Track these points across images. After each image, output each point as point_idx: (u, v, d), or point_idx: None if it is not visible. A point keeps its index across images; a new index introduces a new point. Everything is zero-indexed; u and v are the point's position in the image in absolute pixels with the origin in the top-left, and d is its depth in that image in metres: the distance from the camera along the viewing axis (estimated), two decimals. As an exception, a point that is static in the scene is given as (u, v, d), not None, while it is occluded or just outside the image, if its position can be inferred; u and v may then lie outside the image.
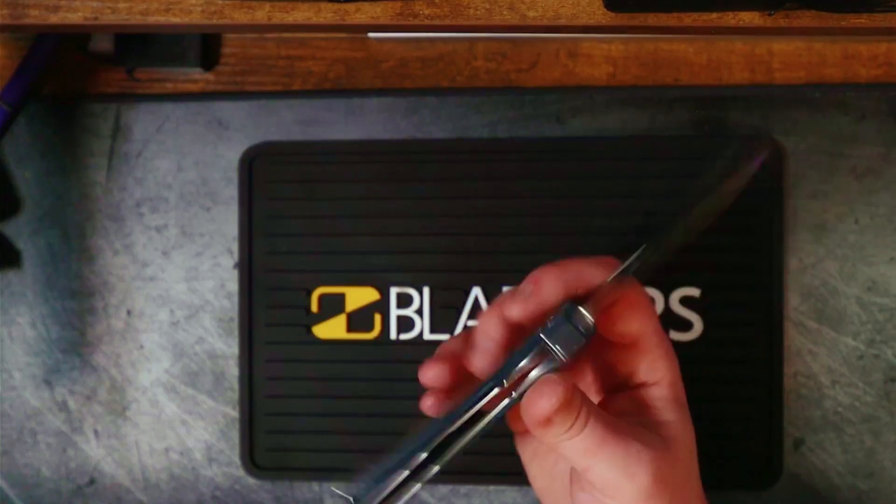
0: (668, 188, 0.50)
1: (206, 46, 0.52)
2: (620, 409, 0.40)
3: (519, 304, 0.38)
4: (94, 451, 0.53)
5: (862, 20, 0.37)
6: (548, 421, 0.36)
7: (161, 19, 0.38)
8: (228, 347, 0.52)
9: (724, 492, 0.49)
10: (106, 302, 0.53)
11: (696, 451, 0.39)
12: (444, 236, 0.51)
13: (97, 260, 0.53)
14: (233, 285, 0.52)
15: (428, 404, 0.39)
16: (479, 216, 0.51)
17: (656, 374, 0.39)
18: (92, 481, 0.53)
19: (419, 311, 0.51)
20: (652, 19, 0.38)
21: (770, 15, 0.37)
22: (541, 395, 0.36)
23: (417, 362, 0.50)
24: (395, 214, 0.51)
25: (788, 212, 0.50)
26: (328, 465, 0.51)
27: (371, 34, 0.51)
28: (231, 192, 0.52)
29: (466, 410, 0.37)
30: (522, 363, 0.36)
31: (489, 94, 0.51)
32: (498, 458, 0.49)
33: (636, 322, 0.39)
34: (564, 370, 0.37)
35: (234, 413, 0.52)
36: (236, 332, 0.52)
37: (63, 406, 0.53)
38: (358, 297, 0.51)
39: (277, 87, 0.53)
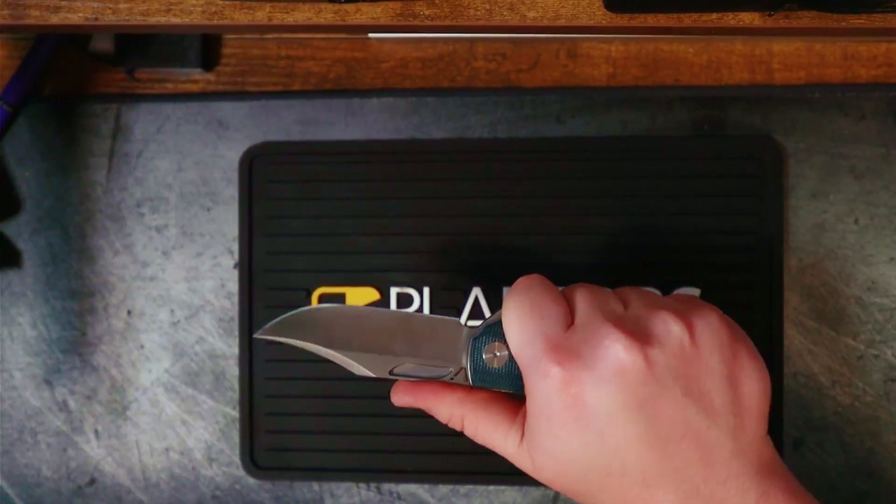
0: (668, 188, 0.50)
1: (206, 47, 0.52)
2: None
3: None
4: (95, 451, 0.53)
5: (861, 21, 0.37)
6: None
7: (161, 20, 0.38)
8: (228, 347, 0.52)
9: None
10: (106, 302, 0.53)
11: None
12: (444, 236, 0.51)
13: (97, 260, 0.53)
14: (233, 285, 0.52)
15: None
16: (479, 216, 0.51)
17: None
18: (92, 481, 0.53)
19: (419, 311, 0.51)
20: (652, 20, 0.38)
21: (770, 15, 0.37)
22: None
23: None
24: (395, 214, 0.51)
25: (788, 212, 0.50)
26: (328, 465, 0.51)
27: (371, 34, 0.51)
28: (231, 192, 0.52)
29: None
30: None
31: (489, 94, 0.51)
32: (498, 457, 0.49)
33: None
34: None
35: (234, 413, 0.52)
36: (236, 332, 0.52)
37: (63, 406, 0.53)
38: (358, 297, 0.51)
39: (277, 88, 0.53)
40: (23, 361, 0.53)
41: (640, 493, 0.36)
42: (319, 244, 0.51)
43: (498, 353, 0.38)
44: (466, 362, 0.39)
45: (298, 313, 0.39)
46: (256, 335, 0.39)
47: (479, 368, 0.38)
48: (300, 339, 0.39)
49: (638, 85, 0.51)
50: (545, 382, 0.36)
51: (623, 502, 0.37)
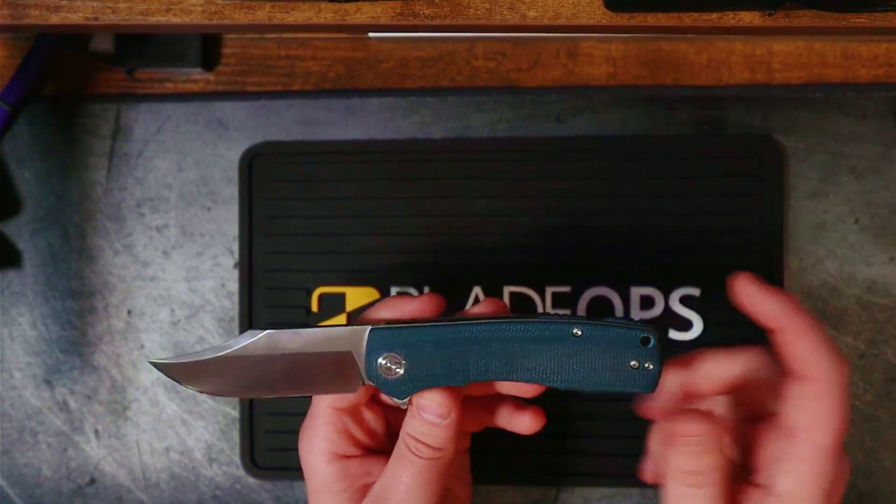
0: (668, 188, 0.50)
1: (206, 46, 0.52)
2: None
3: None
4: (95, 451, 0.53)
5: (862, 20, 0.37)
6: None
7: (161, 19, 0.38)
8: (228, 347, 0.52)
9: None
10: (106, 302, 0.53)
11: None
12: (444, 236, 0.51)
13: (97, 260, 0.53)
14: (233, 285, 0.52)
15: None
16: (479, 216, 0.51)
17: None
18: (92, 481, 0.53)
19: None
20: (652, 19, 0.38)
21: (770, 15, 0.37)
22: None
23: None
24: (395, 214, 0.51)
25: (788, 212, 0.50)
26: (328, 465, 0.51)
27: (371, 34, 0.51)
28: (231, 192, 0.52)
29: None
30: None
31: (489, 93, 0.51)
32: (497, 457, 0.50)
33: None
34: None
35: (234, 413, 0.52)
36: (236, 332, 0.52)
37: (63, 406, 0.53)
38: (358, 297, 0.51)
39: (277, 87, 0.53)
40: (23, 361, 0.53)
41: None
42: (319, 244, 0.51)
43: (393, 366, 0.39)
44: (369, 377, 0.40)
45: (190, 363, 0.40)
46: (152, 361, 0.40)
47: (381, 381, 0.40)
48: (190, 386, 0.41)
49: (638, 84, 0.51)
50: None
51: None
